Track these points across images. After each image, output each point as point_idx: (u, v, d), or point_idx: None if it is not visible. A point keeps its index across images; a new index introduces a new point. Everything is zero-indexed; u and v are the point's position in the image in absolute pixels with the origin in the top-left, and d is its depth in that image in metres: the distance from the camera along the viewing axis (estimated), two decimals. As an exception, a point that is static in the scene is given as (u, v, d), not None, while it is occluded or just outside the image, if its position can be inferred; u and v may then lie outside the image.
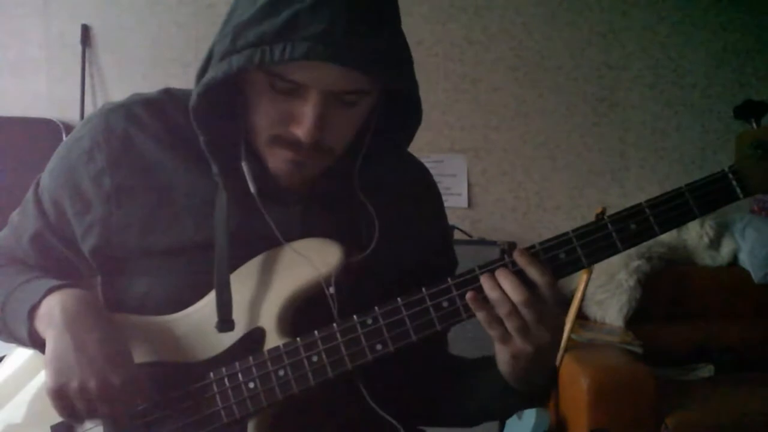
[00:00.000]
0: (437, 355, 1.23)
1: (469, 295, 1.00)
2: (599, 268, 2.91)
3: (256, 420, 1.04)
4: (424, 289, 1.02)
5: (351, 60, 0.93)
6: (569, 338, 2.64)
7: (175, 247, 1.07)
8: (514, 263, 1.00)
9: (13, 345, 1.15)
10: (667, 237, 3.14)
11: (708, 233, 3.12)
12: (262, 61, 0.93)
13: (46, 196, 1.14)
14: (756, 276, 3.06)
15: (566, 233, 1.02)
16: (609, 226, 1.01)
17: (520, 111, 3.46)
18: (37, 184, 1.16)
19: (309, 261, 1.04)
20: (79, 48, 3.43)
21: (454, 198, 3.43)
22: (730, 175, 1.01)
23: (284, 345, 1.03)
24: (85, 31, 3.45)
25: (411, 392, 1.22)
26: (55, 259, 1.15)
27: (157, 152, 1.09)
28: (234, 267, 1.06)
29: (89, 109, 3.37)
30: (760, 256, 3.05)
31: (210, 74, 0.98)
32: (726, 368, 2.87)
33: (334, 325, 1.03)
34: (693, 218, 1.01)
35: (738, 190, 1.01)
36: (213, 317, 1.05)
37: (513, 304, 0.98)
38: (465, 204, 3.46)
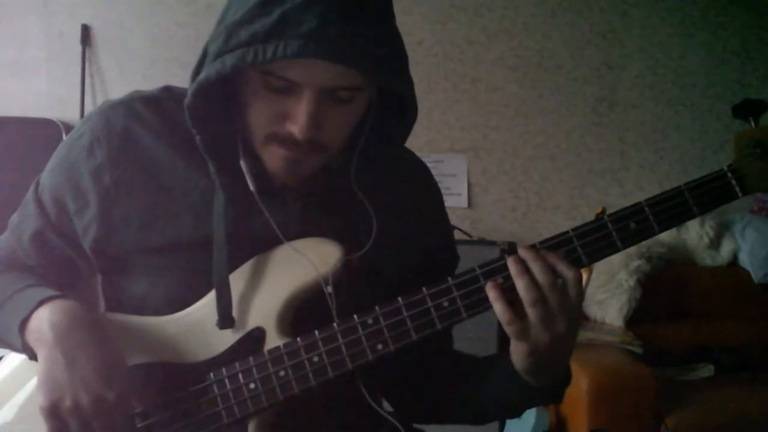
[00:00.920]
0: (443, 353, 1.22)
1: (490, 284, 1.00)
2: (599, 268, 2.91)
3: (256, 420, 1.03)
4: (424, 289, 1.02)
5: (343, 57, 0.93)
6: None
7: (174, 244, 1.07)
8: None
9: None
10: (667, 237, 3.14)
11: (708, 233, 3.12)
12: (254, 60, 0.93)
13: (46, 194, 1.14)
14: (756, 276, 3.06)
15: (566, 232, 1.02)
16: (609, 225, 1.01)
17: (520, 111, 3.46)
18: (37, 184, 1.16)
19: (308, 260, 1.04)
20: (79, 48, 3.43)
21: (454, 198, 3.43)
22: (729, 174, 1.01)
23: (285, 345, 1.03)
24: (85, 31, 3.45)
25: (417, 391, 1.22)
26: (56, 258, 1.15)
27: (156, 149, 1.09)
28: (233, 266, 1.06)
29: (89, 109, 3.37)
30: (760, 256, 3.05)
31: (204, 74, 0.98)
32: (726, 368, 2.87)
33: (335, 325, 1.02)
34: (692, 217, 1.02)
35: (737, 188, 1.01)
36: (213, 317, 1.04)
37: (540, 291, 0.97)
38: (465, 204, 3.46)
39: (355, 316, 1.02)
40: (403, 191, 1.19)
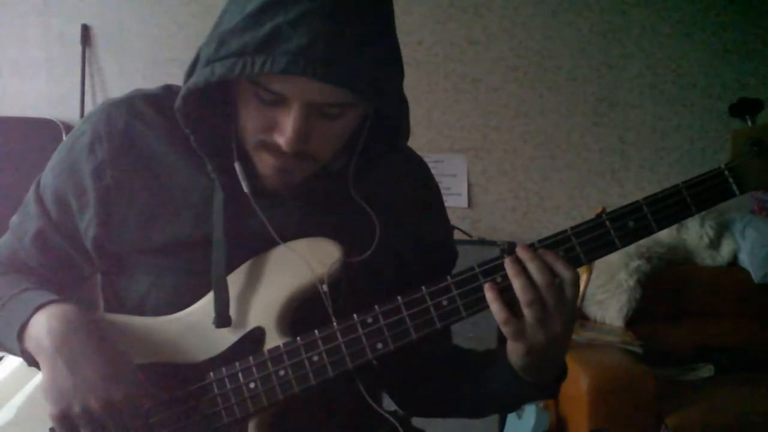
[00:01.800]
0: (442, 348, 1.23)
1: (487, 285, 1.00)
2: (599, 268, 2.91)
3: (256, 420, 1.03)
4: (423, 288, 1.02)
5: (330, 76, 0.92)
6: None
7: (175, 243, 1.07)
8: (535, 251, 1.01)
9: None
10: (667, 237, 3.14)
11: (708, 233, 3.11)
12: (242, 72, 0.93)
13: (48, 193, 1.14)
14: (756, 276, 3.06)
15: (564, 231, 1.02)
16: (607, 223, 1.02)
17: (520, 111, 3.47)
18: (38, 183, 1.16)
19: (306, 261, 1.04)
20: (79, 48, 3.43)
21: (454, 198, 3.43)
22: (726, 172, 1.02)
23: (284, 345, 1.03)
24: (85, 30, 3.45)
25: (417, 386, 1.23)
26: (57, 258, 1.15)
27: (157, 147, 1.09)
28: (232, 266, 1.06)
29: (89, 109, 3.37)
30: (760, 256, 3.04)
31: (193, 78, 0.98)
32: (726, 368, 2.87)
33: (335, 324, 1.02)
34: (690, 215, 1.02)
35: (734, 186, 1.01)
36: (212, 317, 1.04)
37: (537, 291, 0.98)
38: (465, 204, 3.46)
39: (354, 315, 1.03)
40: (402, 189, 1.19)
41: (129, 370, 1.01)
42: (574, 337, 2.68)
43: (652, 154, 3.47)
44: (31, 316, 1.02)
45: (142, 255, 1.09)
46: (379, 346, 1.02)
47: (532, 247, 1.01)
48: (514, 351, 1.02)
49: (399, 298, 1.02)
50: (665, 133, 3.47)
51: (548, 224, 3.44)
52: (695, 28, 3.45)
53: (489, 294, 1.00)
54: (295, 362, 1.02)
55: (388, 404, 1.25)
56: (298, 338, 1.03)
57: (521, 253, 1.00)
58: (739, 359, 2.90)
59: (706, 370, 2.87)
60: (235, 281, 1.06)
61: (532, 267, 0.99)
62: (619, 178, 3.47)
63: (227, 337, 1.05)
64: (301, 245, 1.06)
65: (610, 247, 1.02)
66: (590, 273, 2.72)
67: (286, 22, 0.91)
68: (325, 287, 1.03)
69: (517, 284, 0.98)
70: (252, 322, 1.05)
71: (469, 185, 3.47)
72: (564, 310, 0.99)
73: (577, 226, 1.02)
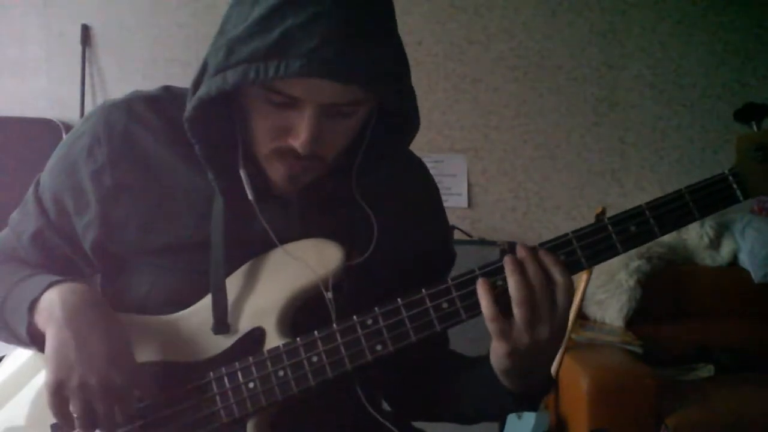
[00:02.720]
0: (438, 352, 1.22)
1: (480, 280, 0.99)
2: (599, 268, 2.91)
3: (255, 420, 1.03)
4: (423, 290, 1.02)
5: (345, 75, 0.93)
6: (569, 338, 2.64)
7: (175, 244, 1.07)
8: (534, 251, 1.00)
9: (12, 345, 1.15)
10: (667, 237, 3.13)
11: (708, 233, 3.11)
12: (256, 78, 0.92)
13: (46, 194, 1.14)
14: (756, 276, 3.06)
15: (566, 234, 1.02)
16: (609, 227, 1.01)
17: (520, 111, 3.46)
18: (38, 183, 1.16)
19: (307, 263, 1.04)
20: (79, 48, 3.43)
21: (454, 198, 3.43)
22: (731, 178, 1.01)
23: (284, 345, 1.03)
24: (85, 31, 3.45)
25: (412, 389, 1.23)
26: (56, 258, 1.15)
27: (157, 149, 1.09)
28: (234, 267, 1.06)
29: (89, 109, 3.36)
30: (760, 256, 3.04)
31: (204, 89, 0.98)
32: (726, 368, 2.87)
33: (334, 325, 1.02)
34: (693, 220, 1.01)
35: (738, 192, 1.01)
36: (212, 317, 1.05)
37: (531, 291, 0.97)
38: (465, 204, 3.46)
39: (354, 316, 1.02)
40: (402, 191, 1.19)
41: (132, 360, 1.01)
42: (574, 336, 2.69)
43: (652, 154, 3.47)
44: (45, 290, 1.04)
45: (143, 256, 1.09)
46: (379, 347, 1.01)
47: (532, 248, 1.01)
48: (497, 351, 1.01)
49: (399, 299, 1.02)
50: (665, 133, 3.47)
51: (548, 224, 3.44)
52: (695, 28, 3.45)
53: (480, 288, 0.99)
54: (295, 363, 1.02)
55: (386, 404, 1.25)
56: (298, 339, 1.03)
57: (521, 251, 1.00)
58: (739, 359, 2.91)
59: (706, 370, 2.87)
60: (235, 282, 1.06)
61: (530, 267, 0.98)
62: (619, 178, 3.47)
63: (227, 337, 1.05)
64: (303, 247, 1.06)
65: (611, 252, 1.01)
66: (590, 273, 2.72)
67: (296, 26, 0.91)
68: (330, 294, 1.04)
69: (512, 281, 0.98)
70: (252, 323, 1.05)
71: (469, 185, 3.47)
72: (554, 316, 0.98)
73: (578, 230, 1.02)
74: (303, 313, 1.06)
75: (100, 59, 3.48)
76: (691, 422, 2.47)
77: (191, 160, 1.08)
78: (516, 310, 0.97)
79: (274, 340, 1.04)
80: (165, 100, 1.12)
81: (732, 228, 3.16)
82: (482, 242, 3.13)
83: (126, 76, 3.46)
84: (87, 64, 3.44)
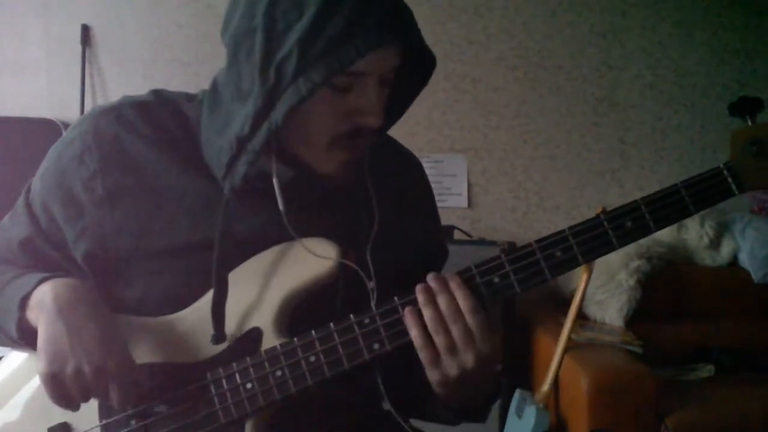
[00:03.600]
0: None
1: (407, 310, 1.01)
2: (599, 268, 2.91)
3: (254, 420, 1.03)
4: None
5: (411, 35, 1.00)
6: (569, 338, 2.64)
7: (171, 248, 1.07)
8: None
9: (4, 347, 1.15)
10: (667, 237, 3.13)
11: (708, 233, 3.11)
12: (341, 67, 0.94)
13: (37, 200, 1.14)
14: (756, 276, 3.05)
15: (562, 231, 1.02)
16: (605, 223, 1.01)
17: (520, 111, 3.46)
18: (28, 190, 1.16)
19: (304, 261, 1.04)
20: (79, 48, 3.43)
21: (454, 198, 3.43)
22: (726, 172, 1.01)
23: (281, 345, 1.03)
24: (85, 31, 3.45)
25: (405, 387, 1.22)
26: (45, 264, 1.14)
27: (147, 154, 1.09)
28: (230, 267, 1.06)
29: (89, 109, 3.36)
30: (760, 256, 3.04)
31: (290, 95, 0.95)
32: (726, 368, 2.87)
33: (331, 324, 1.03)
34: (689, 215, 1.02)
35: (733, 186, 1.01)
36: (209, 318, 1.05)
37: (443, 322, 0.98)
38: (465, 204, 3.45)
39: (351, 315, 1.03)
40: (400, 186, 1.20)
41: (125, 349, 1.01)
42: (573, 336, 2.68)
43: (652, 154, 3.47)
44: (37, 285, 1.04)
45: (137, 261, 1.09)
46: (376, 346, 1.02)
47: (528, 247, 1.02)
48: (431, 379, 1.03)
49: (395, 298, 1.02)
50: (665, 133, 3.47)
51: (548, 224, 3.44)
52: (695, 28, 3.45)
53: (408, 319, 1.00)
54: (292, 362, 1.02)
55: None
56: (295, 339, 1.03)
57: (432, 282, 1.01)
58: (739, 359, 2.90)
59: (706, 370, 2.86)
60: (232, 282, 1.06)
61: (441, 297, 1.00)
62: (619, 178, 3.47)
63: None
64: (300, 246, 1.06)
65: (607, 247, 1.02)
66: (590, 273, 2.72)
67: (355, 5, 0.94)
68: (372, 284, 1.04)
69: (425, 313, 1.00)
70: (249, 323, 1.05)
71: (469, 185, 3.46)
72: (473, 342, 0.98)
73: (574, 226, 1.02)
74: (300, 313, 1.06)
75: (100, 59, 3.48)
76: (691, 422, 2.47)
77: (181, 162, 1.08)
78: (435, 341, 0.99)
79: (271, 341, 1.04)
80: (154, 104, 1.12)
81: (732, 228, 3.16)
82: (482, 242, 3.13)
83: (126, 76, 3.46)
84: (87, 64, 3.44)
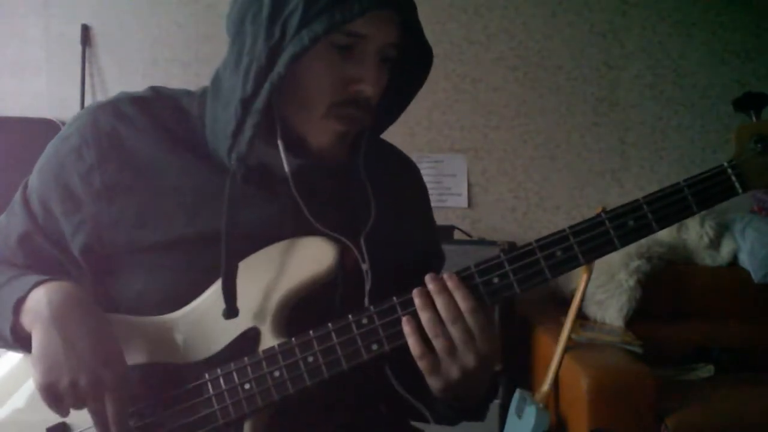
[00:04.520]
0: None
1: (405, 318, 1.00)
2: (599, 268, 2.91)
3: (252, 421, 1.03)
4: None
5: (410, 12, 1.03)
6: (569, 338, 2.64)
7: (168, 241, 1.07)
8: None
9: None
10: (667, 237, 3.13)
11: (708, 233, 3.11)
12: (342, 20, 0.96)
13: (34, 196, 1.13)
14: (756, 276, 3.05)
15: (563, 230, 1.01)
16: (606, 223, 1.00)
17: (520, 111, 3.46)
18: (25, 186, 1.16)
19: (302, 261, 1.04)
20: (79, 48, 3.43)
21: (454, 198, 3.43)
22: (729, 170, 1.00)
23: (279, 345, 1.02)
24: (85, 31, 3.45)
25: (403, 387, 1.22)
26: (43, 260, 1.14)
27: (145, 148, 1.09)
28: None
29: (89, 109, 3.37)
30: (760, 256, 3.04)
31: (294, 47, 0.98)
32: (726, 368, 2.87)
33: (329, 325, 1.02)
34: (692, 214, 1.00)
35: (737, 184, 1.00)
36: (207, 316, 1.04)
37: (442, 325, 0.98)
38: (465, 204, 3.45)
39: (349, 315, 1.02)
40: (398, 186, 1.20)
41: (121, 358, 1.00)
42: (574, 336, 2.68)
43: (652, 154, 3.47)
44: (31, 290, 1.03)
45: (134, 255, 1.09)
46: (374, 347, 1.01)
47: (528, 246, 1.01)
48: (432, 386, 1.02)
49: (394, 298, 1.02)
50: (665, 133, 3.47)
51: (548, 224, 3.44)
52: (695, 28, 3.45)
53: (406, 327, 1.00)
54: (290, 363, 1.02)
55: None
56: (293, 339, 1.02)
57: (430, 284, 1.00)
58: (739, 359, 2.90)
59: (706, 370, 2.86)
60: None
61: (439, 299, 0.99)
62: (619, 178, 3.46)
63: (222, 338, 1.05)
64: (297, 245, 1.05)
65: (609, 247, 1.00)
66: (590, 273, 2.72)
67: None
68: (366, 266, 1.05)
69: (423, 317, 0.99)
70: (247, 323, 1.04)
71: (469, 185, 3.46)
72: (473, 343, 0.98)
73: (575, 226, 1.01)
74: (298, 312, 1.06)
75: (100, 59, 3.48)
76: (691, 422, 2.46)
77: (180, 157, 1.08)
78: (434, 343, 0.98)
79: (269, 341, 1.03)
80: (152, 99, 1.12)
81: (732, 228, 3.16)
82: (482, 242, 3.13)
83: (126, 76, 3.46)
84: (87, 64, 3.44)
